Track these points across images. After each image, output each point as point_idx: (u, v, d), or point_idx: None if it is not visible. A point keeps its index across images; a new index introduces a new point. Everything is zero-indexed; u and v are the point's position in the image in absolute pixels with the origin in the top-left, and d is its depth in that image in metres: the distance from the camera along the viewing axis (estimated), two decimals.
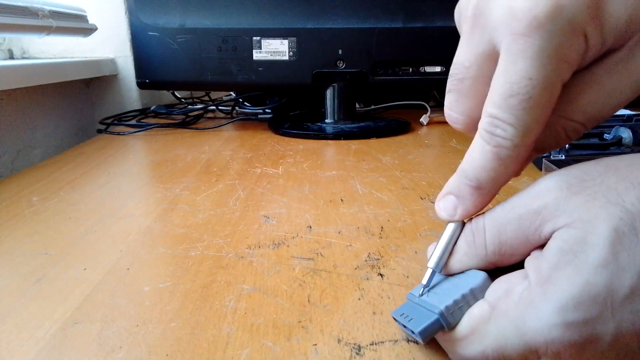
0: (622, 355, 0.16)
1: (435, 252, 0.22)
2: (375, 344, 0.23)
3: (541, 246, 0.18)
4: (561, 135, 0.20)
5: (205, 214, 0.40)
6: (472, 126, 0.21)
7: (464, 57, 0.21)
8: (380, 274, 0.29)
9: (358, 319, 0.24)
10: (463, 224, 0.22)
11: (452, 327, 0.20)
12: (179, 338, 0.23)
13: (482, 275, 0.20)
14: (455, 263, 0.21)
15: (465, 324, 0.19)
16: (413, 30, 0.69)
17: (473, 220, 0.21)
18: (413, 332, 0.20)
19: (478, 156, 0.20)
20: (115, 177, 0.51)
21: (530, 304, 0.17)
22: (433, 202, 0.41)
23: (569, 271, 0.17)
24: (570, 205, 0.18)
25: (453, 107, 0.22)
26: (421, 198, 0.42)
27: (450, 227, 0.22)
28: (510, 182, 0.49)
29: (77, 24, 0.82)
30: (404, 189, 0.45)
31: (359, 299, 0.26)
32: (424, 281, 0.22)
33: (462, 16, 0.21)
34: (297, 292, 0.27)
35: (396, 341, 0.23)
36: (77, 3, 0.86)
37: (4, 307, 0.26)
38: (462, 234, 0.21)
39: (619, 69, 0.19)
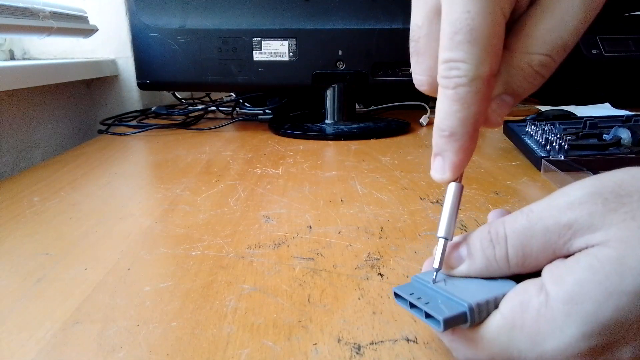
0: None
1: (442, 221, 0.21)
2: (375, 343, 0.23)
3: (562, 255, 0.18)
4: (529, 71, 0.20)
5: (205, 214, 0.40)
6: (436, 85, 0.21)
7: (415, 17, 0.22)
8: (380, 274, 0.29)
9: (358, 319, 0.25)
10: (461, 187, 0.22)
11: (474, 325, 0.19)
12: (179, 338, 0.23)
13: (513, 285, 0.19)
14: (474, 274, 0.20)
15: (477, 329, 0.19)
16: None
17: (492, 230, 0.20)
18: (427, 316, 0.19)
19: (442, 104, 0.20)
20: (116, 177, 0.51)
21: (551, 322, 0.16)
22: (432, 203, 0.41)
23: (599, 293, 0.16)
24: (607, 223, 0.17)
25: (416, 69, 0.23)
26: (421, 198, 0.43)
27: (450, 191, 0.21)
28: (509, 182, 0.48)
29: (78, 25, 0.82)
30: (404, 189, 0.45)
31: (359, 299, 0.26)
32: (438, 252, 0.21)
33: None
34: (297, 292, 0.27)
35: (396, 341, 0.23)
36: (78, 4, 0.86)
37: (4, 307, 0.26)
38: (481, 244, 0.20)
39: None
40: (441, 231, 0.21)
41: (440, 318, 0.18)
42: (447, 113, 0.20)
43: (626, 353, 0.16)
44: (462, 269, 0.20)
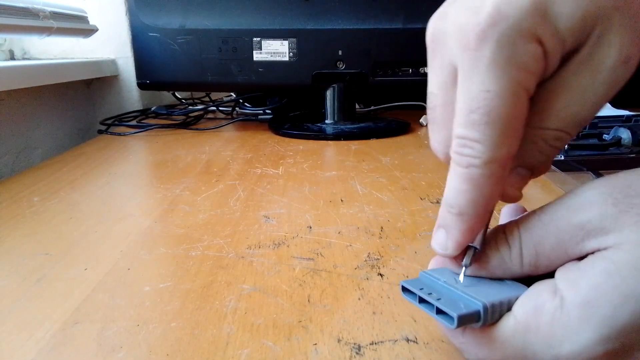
0: None
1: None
2: (375, 343, 0.23)
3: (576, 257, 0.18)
4: (544, 147, 0.19)
5: (205, 214, 0.40)
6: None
7: (431, 86, 0.21)
8: (380, 274, 0.29)
9: (358, 319, 0.24)
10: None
11: (486, 325, 0.19)
12: (179, 338, 0.23)
13: (524, 289, 0.19)
14: (486, 274, 0.20)
15: (490, 330, 0.19)
16: (413, 31, 0.69)
17: (507, 230, 0.20)
18: (438, 312, 0.19)
19: (453, 181, 0.19)
20: (115, 177, 0.51)
21: (567, 326, 0.17)
22: (433, 203, 0.41)
23: (615, 297, 0.16)
24: (619, 225, 0.17)
25: (433, 137, 0.22)
26: (421, 198, 0.43)
27: None
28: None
29: (77, 25, 0.82)
30: (404, 189, 0.45)
31: (359, 299, 0.26)
32: (466, 261, 0.20)
33: (427, 47, 0.21)
34: (297, 292, 0.27)
35: (396, 341, 0.23)
36: (78, 4, 0.86)
37: (4, 307, 0.26)
38: (496, 244, 0.20)
39: (584, 68, 0.18)
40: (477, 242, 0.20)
41: (455, 314, 0.18)
42: (457, 190, 0.19)
43: None
44: (475, 267, 0.20)
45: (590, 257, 0.17)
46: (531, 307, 0.18)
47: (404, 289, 0.21)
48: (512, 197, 0.20)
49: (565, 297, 0.17)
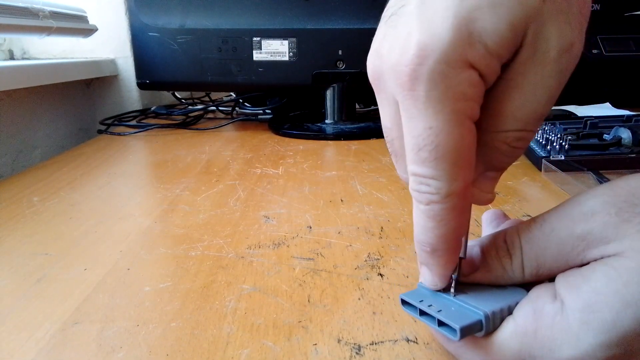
0: None
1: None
2: (375, 343, 0.23)
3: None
4: (507, 150, 0.19)
5: (205, 214, 0.40)
6: None
7: (384, 120, 0.20)
8: (380, 274, 0.29)
9: (358, 319, 0.24)
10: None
11: (488, 333, 0.19)
12: (179, 338, 0.23)
13: (524, 293, 0.19)
14: (487, 282, 0.20)
15: (488, 335, 0.19)
16: None
17: (508, 240, 0.20)
18: (440, 324, 0.19)
19: (418, 218, 0.19)
20: (115, 177, 0.51)
21: (567, 330, 0.16)
22: None
23: (616, 302, 0.16)
24: (621, 234, 0.17)
25: (398, 168, 0.21)
26: None
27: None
28: (509, 182, 0.48)
29: (77, 25, 0.82)
30: (404, 189, 0.45)
31: (359, 299, 0.26)
32: (455, 274, 0.20)
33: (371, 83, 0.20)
34: (297, 292, 0.27)
35: (396, 341, 0.23)
36: (78, 4, 0.86)
37: (4, 307, 0.26)
38: (497, 253, 0.20)
39: (530, 66, 0.17)
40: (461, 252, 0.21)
41: (457, 327, 0.18)
42: (424, 228, 0.19)
43: None
44: (476, 276, 0.20)
45: (592, 264, 0.17)
46: (531, 310, 0.18)
47: (404, 302, 0.21)
48: (485, 201, 0.20)
49: (565, 302, 0.17)
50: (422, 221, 0.19)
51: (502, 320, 0.19)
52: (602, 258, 0.17)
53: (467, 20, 0.16)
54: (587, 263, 0.17)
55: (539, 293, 0.18)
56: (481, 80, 0.17)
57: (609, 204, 0.17)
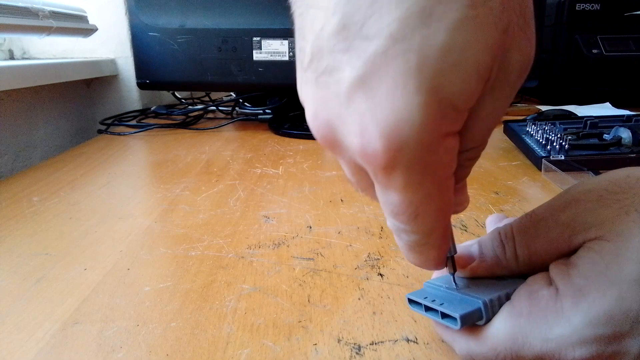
0: None
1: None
2: (375, 343, 0.23)
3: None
4: (465, 164, 0.18)
5: (205, 214, 0.40)
6: None
7: (346, 172, 0.19)
8: (380, 274, 0.29)
9: (358, 319, 0.24)
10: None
11: (487, 320, 0.19)
12: (179, 338, 0.23)
13: (521, 282, 0.20)
14: (485, 273, 0.21)
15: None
16: None
17: (502, 231, 0.21)
18: (443, 317, 0.20)
19: (403, 250, 0.19)
20: (115, 177, 0.51)
21: (559, 312, 0.17)
22: None
23: (601, 282, 0.16)
24: (601, 218, 0.17)
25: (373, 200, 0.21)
26: None
27: None
28: (509, 182, 0.48)
29: (77, 25, 0.82)
30: None
31: (359, 299, 0.26)
32: (450, 269, 0.21)
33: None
34: (297, 292, 0.27)
35: (396, 341, 0.23)
36: (78, 3, 0.86)
37: (4, 307, 0.26)
38: (492, 244, 0.21)
39: (490, 97, 0.16)
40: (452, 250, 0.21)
41: (457, 315, 0.19)
42: (412, 258, 0.19)
43: (634, 346, 0.16)
44: (473, 267, 0.21)
45: (578, 251, 0.18)
46: (526, 294, 0.19)
47: (410, 301, 0.22)
48: (462, 209, 0.21)
49: (559, 287, 0.18)
50: (408, 255, 0.19)
51: (500, 307, 0.19)
52: (585, 242, 0.18)
53: (434, 91, 0.13)
54: (575, 250, 0.18)
55: (536, 279, 0.19)
56: (457, 135, 0.16)
57: (591, 192, 0.18)
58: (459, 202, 0.20)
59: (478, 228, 0.35)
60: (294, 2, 0.17)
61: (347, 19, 0.14)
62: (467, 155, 0.18)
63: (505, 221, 0.25)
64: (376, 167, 0.15)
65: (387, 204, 0.17)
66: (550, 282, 0.18)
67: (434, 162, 0.15)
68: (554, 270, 0.19)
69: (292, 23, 0.17)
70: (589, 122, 0.54)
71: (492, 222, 0.26)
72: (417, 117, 0.14)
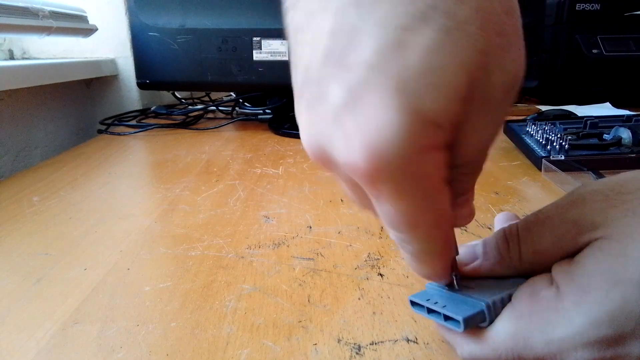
0: None
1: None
2: (375, 343, 0.23)
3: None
4: (464, 178, 0.18)
5: (205, 214, 0.40)
6: None
7: (343, 187, 0.20)
8: (380, 274, 0.29)
9: (358, 319, 0.24)
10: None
11: (490, 322, 0.19)
12: (179, 338, 0.23)
13: (523, 282, 0.20)
14: (488, 272, 0.21)
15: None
16: None
17: (507, 229, 0.21)
18: (446, 319, 0.20)
19: (407, 260, 0.19)
20: (115, 177, 0.51)
21: (561, 312, 0.17)
22: None
23: (604, 282, 0.16)
24: (608, 218, 0.17)
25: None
26: None
27: None
28: (509, 182, 0.48)
29: (77, 25, 0.82)
30: None
31: (359, 299, 0.26)
32: (454, 272, 0.21)
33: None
34: (297, 292, 0.27)
35: (396, 341, 0.23)
36: (77, 3, 0.86)
37: (4, 307, 0.26)
38: (496, 242, 0.21)
39: (476, 115, 0.16)
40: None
41: (460, 318, 0.19)
42: (417, 269, 0.20)
43: (637, 348, 0.16)
44: (476, 264, 0.21)
45: (583, 250, 0.18)
46: (527, 294, 0.19)
47: (413, 303, 0.21)
48: (467, 222, 0.20)
49: (560, 287, 0.18)
50: (411, 263, 0.19)
51: (503, 308, 0.19)
52: (591, 242, 0.18)
53: (413, 110, 0.14)
54: (581, 249, 0.18)
55: (536, 279, 0.19)
56: (444, 148, 0.16)
57: (598, 192, 0.18)
58: (462, 215, 0.20)
59: (478, 228, 0.35)
60: (288, 38, 0.18)
61: (329, 52, 0.15)
62: (463, 170, 0.18)
63: (514, 220, 0.25)
64: (361, 177, 0.15)
65: (384, 215, 0.17)
66: (551, 282, 0.18)
67: (418, 173, 0.15)
68: (557, 269, 0.18)
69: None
70: (589, 122, 0.54)
71: (500, 221, 0.25)
72: (397, 132, 0.14)
